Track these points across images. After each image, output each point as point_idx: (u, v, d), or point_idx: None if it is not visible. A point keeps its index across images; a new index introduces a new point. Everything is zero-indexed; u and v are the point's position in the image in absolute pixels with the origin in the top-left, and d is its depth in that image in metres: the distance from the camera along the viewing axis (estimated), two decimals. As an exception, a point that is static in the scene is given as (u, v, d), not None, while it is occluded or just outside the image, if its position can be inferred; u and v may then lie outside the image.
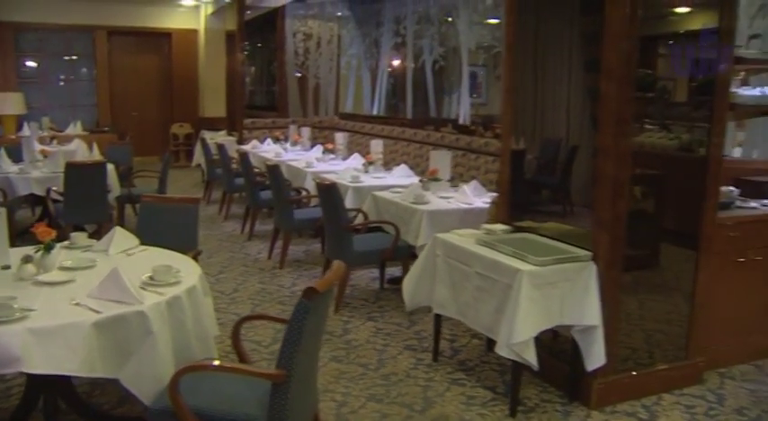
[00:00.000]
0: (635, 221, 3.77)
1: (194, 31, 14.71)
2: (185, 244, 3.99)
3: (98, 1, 13.44)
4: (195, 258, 3.76)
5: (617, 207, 3.58)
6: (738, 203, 4.50)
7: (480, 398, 3.88)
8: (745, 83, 5.33)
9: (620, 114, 3.50)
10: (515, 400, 3.69)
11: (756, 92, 4.69)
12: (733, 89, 4.62)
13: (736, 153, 5.98)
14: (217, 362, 2.91)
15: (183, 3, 14.00)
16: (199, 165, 11.13)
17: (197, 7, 14.35)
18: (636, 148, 3.66)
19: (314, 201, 6.82)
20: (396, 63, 11.15)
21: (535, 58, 4.34)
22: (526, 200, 4.59)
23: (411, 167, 7.44)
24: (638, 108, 3.68)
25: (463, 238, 4.05)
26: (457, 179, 6.54)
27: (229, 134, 11.99)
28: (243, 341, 3.35)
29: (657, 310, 4.14)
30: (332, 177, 6.57)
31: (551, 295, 3.53)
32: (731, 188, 4.79)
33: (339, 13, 12.24)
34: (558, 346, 4.09)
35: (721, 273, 4.16)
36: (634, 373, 3.91)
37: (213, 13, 14.08)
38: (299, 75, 12.55)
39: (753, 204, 4.51)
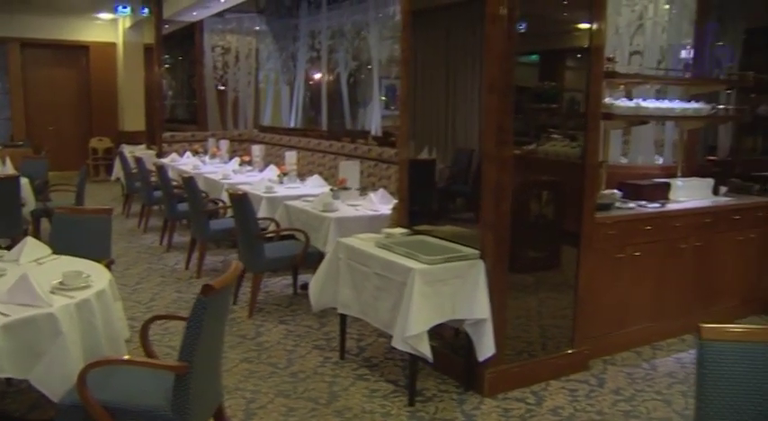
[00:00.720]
0: (538, 225, 4.12)
1: (113, 45, 14.67)
2: (99, 254, 4.12)
3: (10, 13, 13.27)
4: (108, 266, 3.91)
5: (500, 209, 3.91)
6: (619, 204, 4.91)
7: (382, 391, 4.15)
8: (628, 95, 5.77)
9: (500, 124, 3.83)
10: (413, 390, 3.97)
11: (632, 103, 5.11)
12: (612, 100, 5.04)
13: (625, 159, 6.43)
14: (124, 357, 3.09)
15: (101, 16, 13.96)
16: (118, 179, 11.12)
17: (114, 20, 14.32)
18: (541, 156, 4.00)
19: (229, 212, 6.99)
20: (312, 76, 11.41)
21: (447, 70, 4.59)
22: (440, 207, 4.88)
23: (326, 178, 7.69)
24: (545, 118, 4.02)
25: (363, 242, 4.32)
26: (367, 188, 6.82)
27: (149, 148, 12.01)
28: (158, 346, 3.52)
29: (554, 307, 4.48)
30: (247, 188, 6.75)
31: (442, 291, 3.82)
32: (615, 191, 5.23)
33: (257, 28, 12.45)
34: (459, 342, 4.38)
35: (603, 269, 4.54)
36: (524, 363, 4.24)
37: (131, 27, 14.07)
38: (222, 88, 12.68)
39: (631, 205, 4.93)
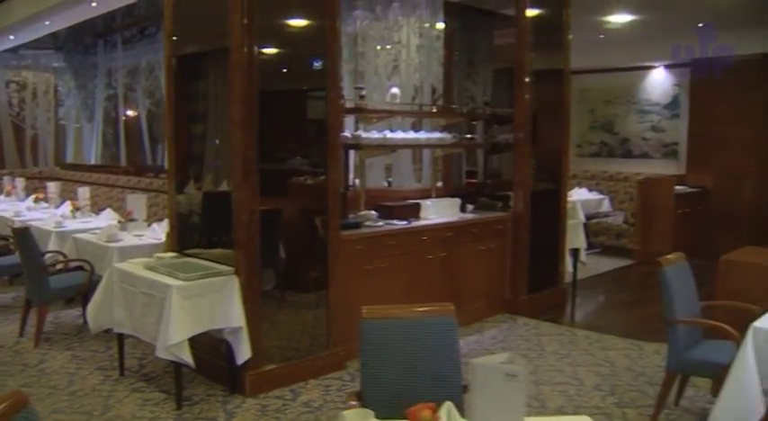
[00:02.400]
0: (314, 248, 4.72)
1: None
2: None
3: None
4: None
5: (250, 230, 4.48)
6: (369, 223, 5.63)
7: (155, 400, 4.57)
8: (390, 127, 6.56)
9: (245, 156, 4.42)
10: (180, 395, 4.43)
11: (379, 134, 5.88)
12: (361, 132, 5.80)
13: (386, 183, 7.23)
14: None
15: None
16: None
17: None
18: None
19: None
20: (112, 113, 11.59)
21: (215, 110, 5.14)
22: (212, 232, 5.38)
23: (121, 211, 7.97)
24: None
25: (134, 265, 4.76)
26: (153, 219, 7.21)
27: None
28: None
29: (314, 315, 5.11)
30: (37, 223, 6.95)
31: (200, 304, 4.33)
32: (371, 211, 5.95)
33: (55, 64, 12.43)
34: (222, 350, 4.87)
35: (354, 279, 5.21)
36: (284, 365, 4.82)
37: None
38: (20, 124, 12.50)
39: (381, 223, 5.66)
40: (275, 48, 4.86)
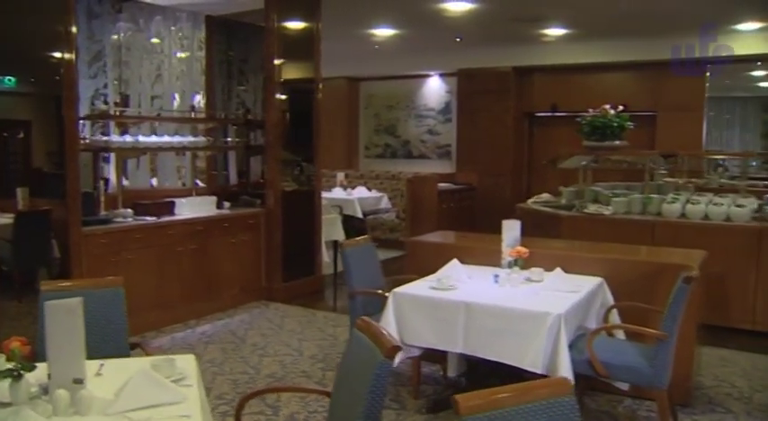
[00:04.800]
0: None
1: None
2: None
3: None
4: None
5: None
6: (120, 219, 6.12)
7: None
8: (155, 131, 7.08)
9: None
10: None
11: (131, 138, 6.40)
12: (111, 137, 6.30)
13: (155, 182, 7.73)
14: None
15: None
16: None
17: None
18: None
19: None
20: None
21: None
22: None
23: None
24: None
25: None
26: None
27: None
28: None
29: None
30: None
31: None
32: (128, 210, 6.44)
33: None
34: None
35: (102, 271, 5.66)
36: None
37: None
38: None
39: (129, 219, 6.17)
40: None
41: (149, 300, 6.17)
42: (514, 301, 3.92)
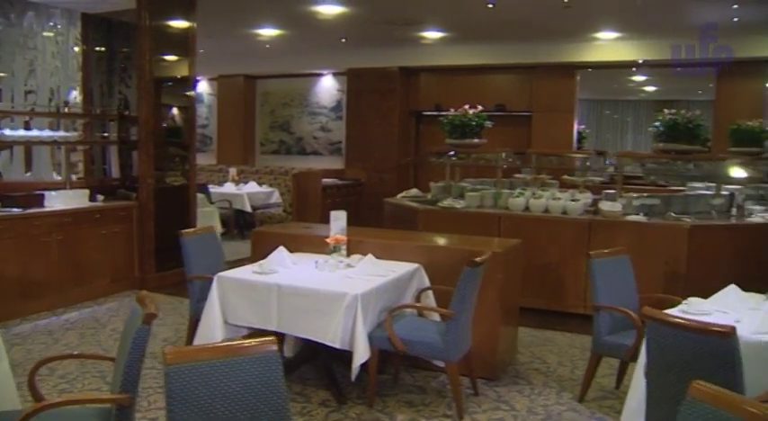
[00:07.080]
0: None
1: None
2: None
3: None
4: None
5: None
6: (-15, 210, 6.33)
7: None
8: (27, 126, 7.28)
9: None
10: None
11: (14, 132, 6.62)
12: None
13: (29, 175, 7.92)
14: None
15: None
16: None
17: None
18: None
19: None
20: None
21: None
22: None
23: None
24: None
25: None
26: None
27: None
28: None
29: None
30: None
31: None
32: (-3, 202, 6.62)
33: None
34: None
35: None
36: None
37: None
38: None
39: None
40: None
41: (14, 289, 6.38)
42: (323, 284, 4.35)
